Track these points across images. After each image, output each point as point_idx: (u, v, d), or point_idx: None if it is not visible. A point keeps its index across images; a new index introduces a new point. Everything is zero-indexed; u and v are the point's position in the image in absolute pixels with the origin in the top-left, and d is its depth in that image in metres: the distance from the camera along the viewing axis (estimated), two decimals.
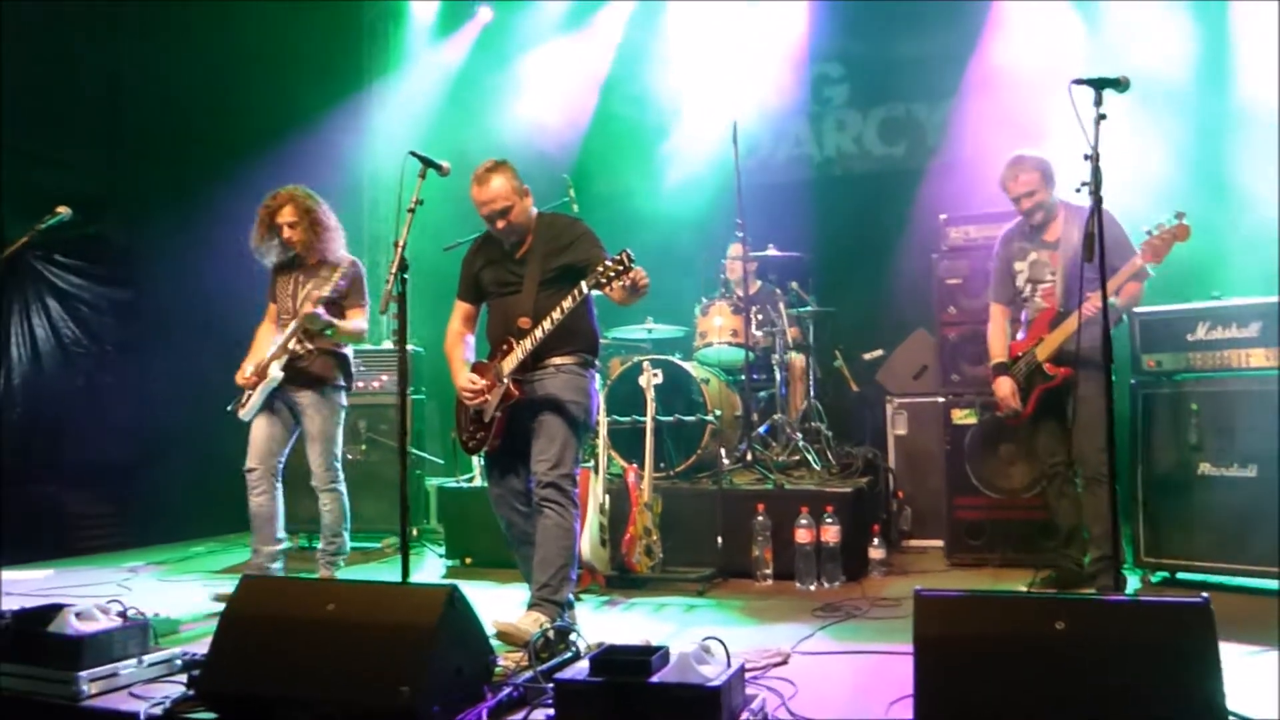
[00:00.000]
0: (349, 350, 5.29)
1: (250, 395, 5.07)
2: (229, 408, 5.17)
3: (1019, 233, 4.95)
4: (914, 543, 6.13)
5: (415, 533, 6.70)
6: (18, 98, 6.42)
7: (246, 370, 5.12)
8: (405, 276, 3.87)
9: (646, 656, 2.99)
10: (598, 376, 4.38)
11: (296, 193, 5.17)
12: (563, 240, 4.23)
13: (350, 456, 6.61)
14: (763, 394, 6.45)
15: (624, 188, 7.66)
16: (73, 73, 6.86)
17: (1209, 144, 5.86)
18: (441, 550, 6.18)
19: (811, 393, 6.48)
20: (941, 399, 5.77)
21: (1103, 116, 3.34)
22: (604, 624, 4.51)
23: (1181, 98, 6.13)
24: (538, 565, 4.09)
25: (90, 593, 5.41)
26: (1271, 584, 4.61)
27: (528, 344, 4.07)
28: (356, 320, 5.17)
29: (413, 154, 4.03)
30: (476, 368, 4.30)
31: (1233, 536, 4.65)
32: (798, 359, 6.51)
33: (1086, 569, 4.61)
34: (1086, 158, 3.35)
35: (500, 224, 4.20)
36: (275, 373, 5.01)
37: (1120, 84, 3.39)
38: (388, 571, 6.08)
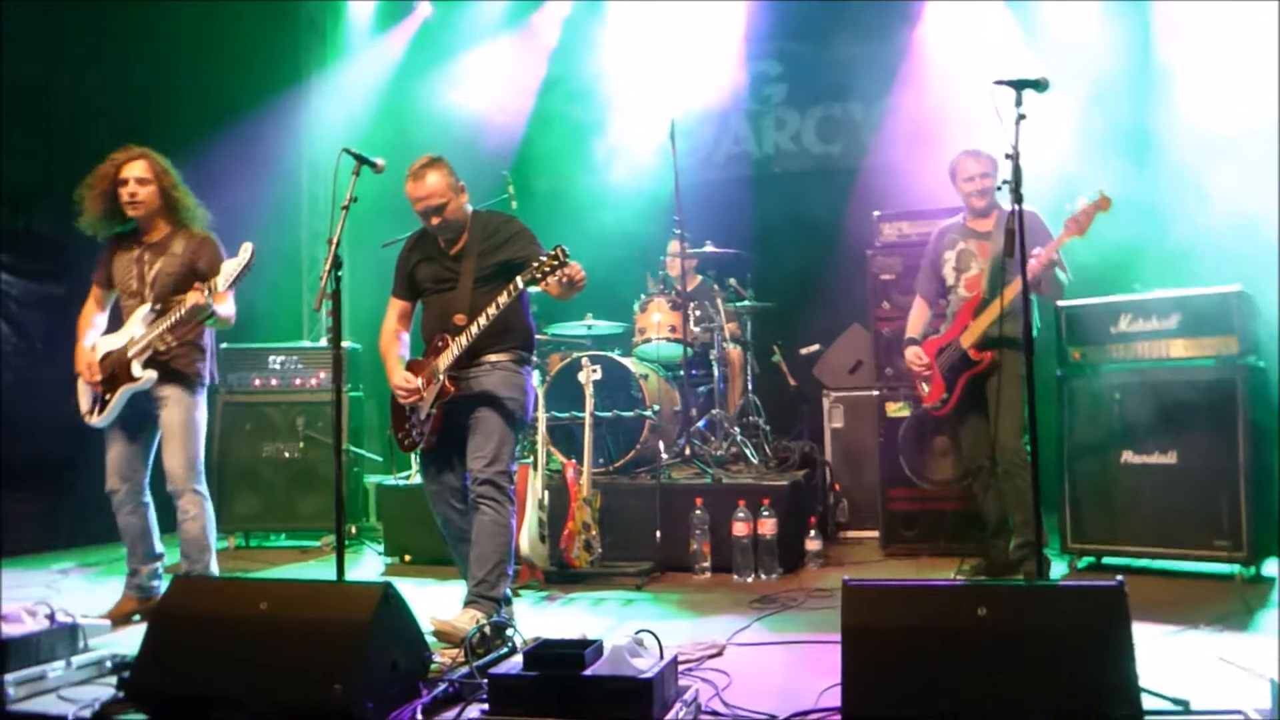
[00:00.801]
0: (209, 339, 4.73)
1: (109, 398, 4.47)
2: (79, 414, 4.58)
3: (954, 227, 5.11)
4: (851, 534, 6.24)
5: (354, 530, 6.68)
6: None
7: (93, 367, 4.49)
8: (339, 274, 3.85)
9: (580, 650, 3.02)
10: (535, 373, 4.40)
11: (151, 153, 4.61)
12: (498, 237, 4.24)
13: (287, 454, 6.59)
14: (701, 389, 6.50)
15: (564, 185, 7.67)
16: (1, 62, 6.69)
17: (1132, 141, 5.99)
18: (380, 548, 6.15)
19: (749, 388, 6.54)
20: (876, 392, 5.87)
21: (1022, 116, 3.43)
22: (542, 619, 4.53)
23: (1107, 96, 6.27)
24: (474, 562, 4.10)
25: (17, 595, 5.31)
26: (1193, 566, 4.78)
27: (463, 340, 4.08)
28: (230, 305, 4.56)
29: (347, 151, 4.01)
30: (411, 365, 4.29)
31: (1155, 521, 4.80)
32: (735, 354, 6.58)
33: (1011, 556, 4.73)
34: (1007, 157, 3.43)
35: (435, 220, 4.19)
36: (143, 373, 4.44)
37: (1040, 84, 3.48)
38: (326, 569, 6.02)
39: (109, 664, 3.71)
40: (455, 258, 4.26)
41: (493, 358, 4.20)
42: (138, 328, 4.50)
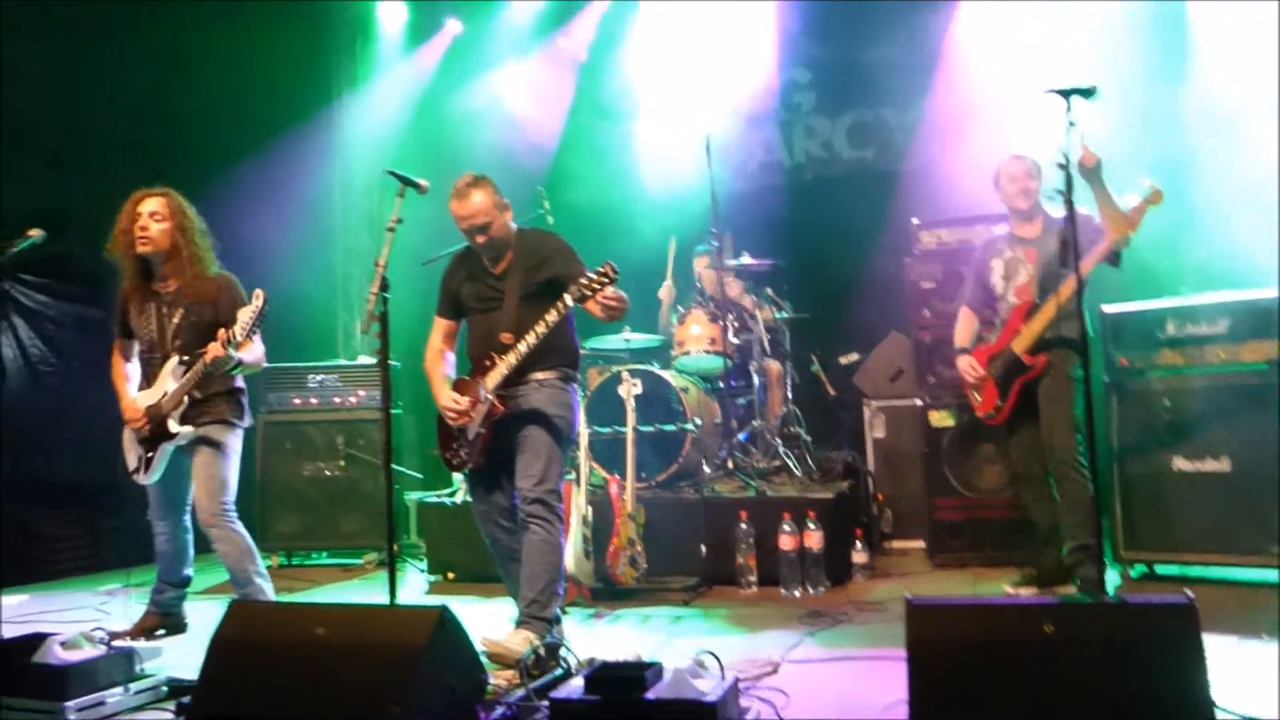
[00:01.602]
0: (242, 382, 4.74)
1: (151, 456, 4.52)
2: (122, 475, 4.64)
3: (1000, 237, 5.07)
4: (896, 544, 6.18)
5: (396, 548, 6.65)
6: None
7: (139, 418, 4.51)
8: (386, 296, 3.86)
9: (640, 672, 3.00)
10: (579, 389, 4.39)
11: (171, 191, 4.60)
12: (542, 254, 4.24)
13: (329, 472, 6.61)
14: (741, 400, 6.48)
15: (598, 198, 7.65)
16: (28, 87, 6.75)
17: (1170, 144, 5.91)
18: (423, 565, 6.15)
19: (789, 398, 6.51)
20: (919, 401, 5.81)
21: (1072, 124, 3.39)
22: (592, 637, 4.51)
23: (1142, 97, 6.20)
24: (525, 581, 4.09)
25: (69, 618, 5.38)
26: (1247, 574, 4.71)
27: (511, 359, 4.07)
28: (257, 347, 4.54)
29: (390, 173, 4.03)
30: (458, 385, 4.29)
31: (1209, 529, 4.74)
32: (774, 365, 6.54)
33: (1064, 559, 4.65)
34: (1060, 166, 3.40)
35: (480, 239, 4.20)
36: (179, 428, 4.45)
37: (1089, 91, 3.46)
38: (370, 588, 6.04)
39: (165, 689, 3.74)
40: (500, 276, 4.26)
41: (540, 375, 4.19)
42: (169, 382, 4.50)
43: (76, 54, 7.08)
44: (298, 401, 6.64)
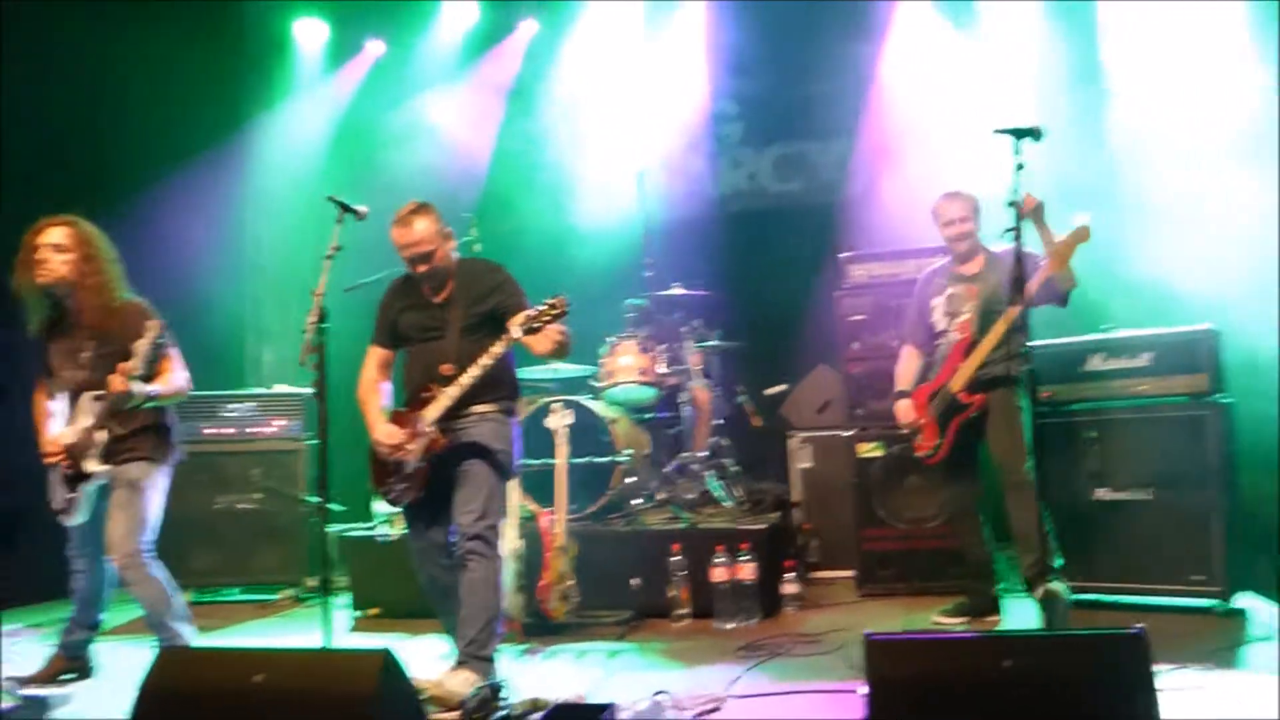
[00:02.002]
0: (172, 415, 4.52)
1: (73, 497, 4.29)
2: (53, 510, 4.36)
3: (940, 271, 5.08)
4: (823, 574, 6.18)
5: (314, 583, 6.44)
6: None
7: (51, 457, 4.28)
8: (325, 326, 3.74)
9: (596, 714, 2.93)
10: (519, 423, 4.31)
11: (76, 220, 4.32)
12: (486, 285, 4.16)
13: (243, 505, 6.37)
14: (669, 430, 6.45)
15: (526, 226, 7.58)
16: None
17: (1097, 178, 6.07)
18: (345, 600, 5.95)
19: (717, 429, 6.51)
20: (846, 433, 5.86)
21: (1021, 166, 3.46)
22: (529, 675, 4.40)
23: (1067, 128, 6.34)
24: (463, 620, 3.97)
25: None
26: (1166, 601, 4.83)
27: (454, 391, 3.97)
28: (176, 376, 4.32)
29: (330, 199, 3.94)
30: (395, 417, 4.17)
31: (1130, 557, 4.87)
32: (703, 395, 6.53)
33: (1023, 575, 4.67)
34: (1011, 204, 3.47)
35: (423, 268, 4.10)
36: (96, 468, 4.23)
37: (1036, 133, 3.53)
38: (289, 625, 5.83)
39: None
40: (441, 306, 4.17)
41: (480, 408, 4.10)
42: (87, 418, 4.25)
43: None
44: (209, 431, 6.39)
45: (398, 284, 4.33)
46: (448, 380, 3.99)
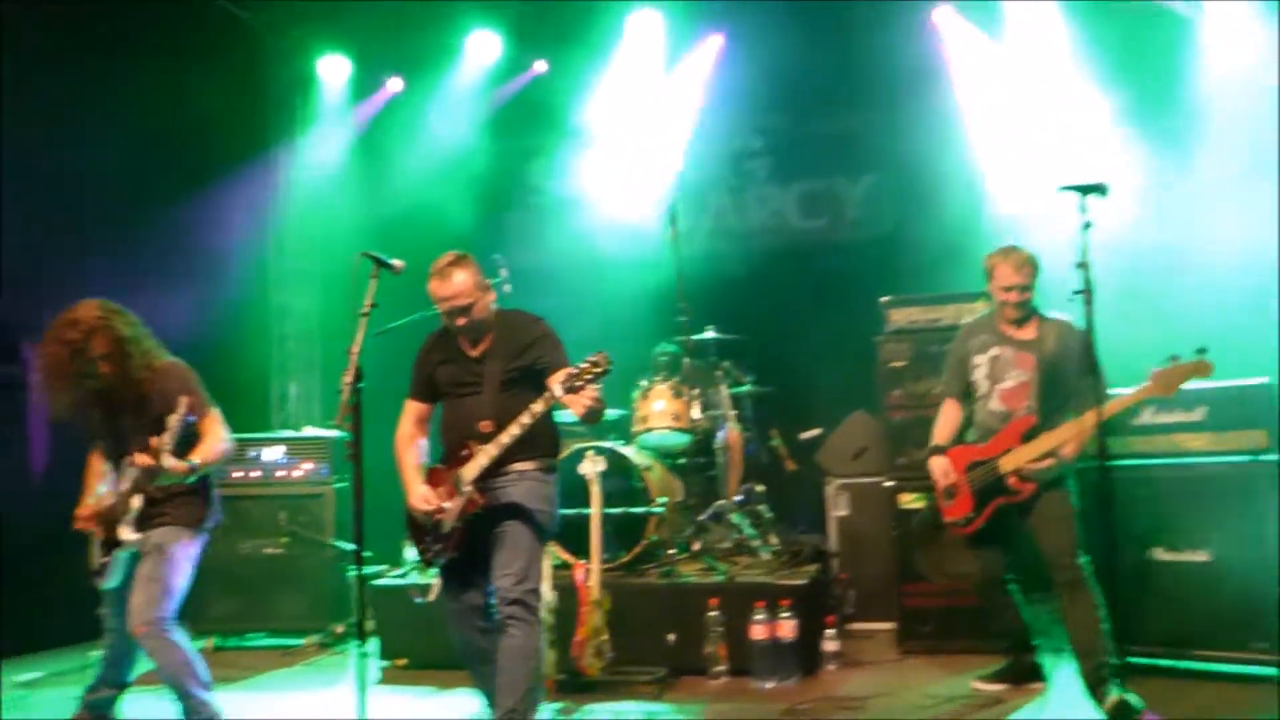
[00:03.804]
0: (211, 481, 4.40)
1: (106, 561, 4.22)
2: (88, 573, 4.30)
3: (983, 326, 4.78)
4: (859, 626, 6.03)
5: (340, 630, 6.32)
6: None
7: (82, 522, 4.24)
8: (361, 386, 3.63)
9: None
10: (558, 480, 4.18)
11: (100, 314, 4.17)
12: (524, 339, 4.04)
13: (268, 550, 6.27)
14: (702, 477, 6.31)
15: (554, 264, 7.49)
16: None
17: (1151, 230, 5.94)
18: (372, 649, 5.82)
19: (750, 474, 6.38)
20: (888, 482, 5.71)
21: (1088, 224, 3.33)
22: None
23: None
24: (502, 689, 3.84)
25: None
26: (1230, 668, 4.64)
27: (492, 450, 3.84)
28: (215, 440, 4.23)
29: (365, 255, 3.83)
30: (431, 474, 4.06)
31: (1187, 621, 4.67)
32: (735, 440, 6.40)
33: (1084, 680, 4.36)
34: (1079, 266, 3.33)
35: (461, 321, 3.99)
36: (128, 535, 4.14)
37: (1103, 189, 3.41)
38: (313, 675, 5.71)
39: None
40: (479, 360, 4.05)
41: (519, 466, 3.98)
42: (127, 483, 4.15)
43: (9, 109, 6.76)
44: (238, 475, 6.29)
45: (434, 337, 4.22)
46: (486, 438, 3.87)
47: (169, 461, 4.00)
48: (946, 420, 4.87)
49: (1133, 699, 4.02)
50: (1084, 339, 3.28)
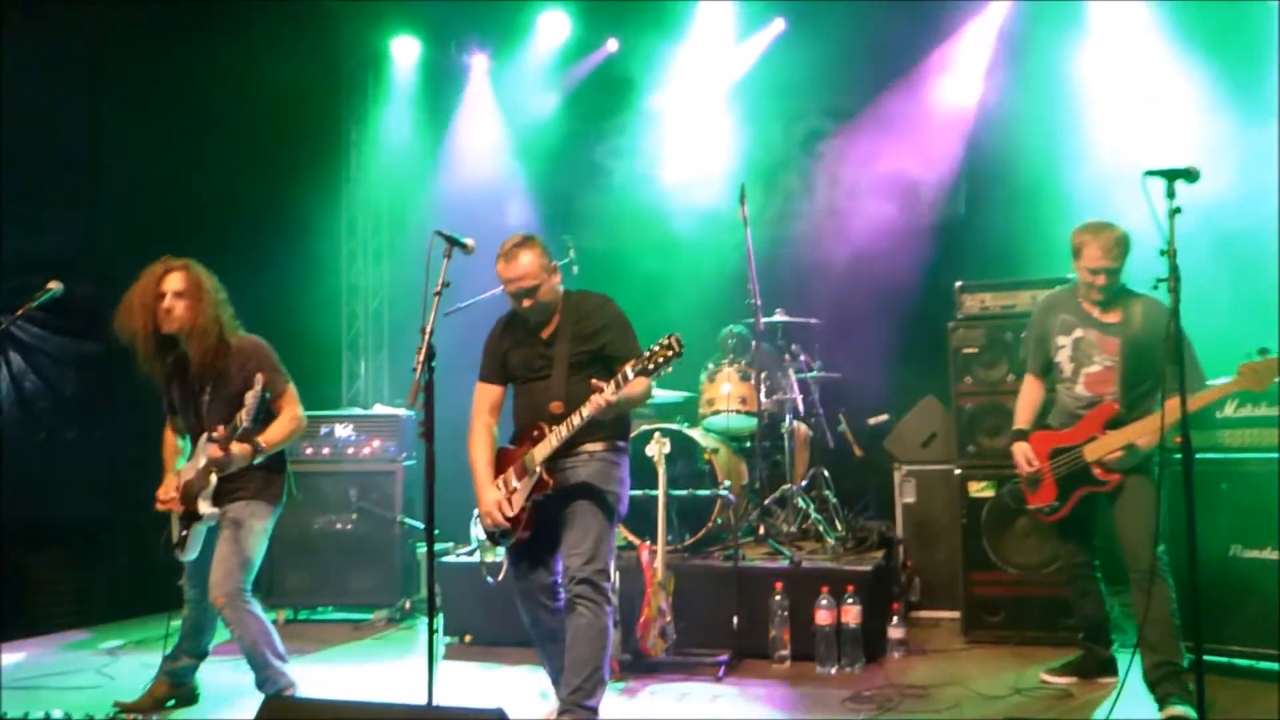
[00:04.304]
0: (284, 456, 4.53)
1: (186, 535, 4.34)
2: (164, 548, 4.45)
3: (1065, 303, 4.55)
4: (924, 614, 5.98)
5: (408, 605, 6.43)
6: None
7: (172, 501, 4.36)
8: (433, 365, 3.66)
9: None
10: (628, 460, 4.19)
11: (189, 262, 4.36)
12: (594, 323, 4.06)
13: (340, 526, 6.37)
14: (768, 461, 6.28)
15: (622, 246, 7.47)
16: (51, 131, 6.61)
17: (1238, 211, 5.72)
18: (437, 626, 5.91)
19: (817, 459, 6.34)
20: (957, 470, 5.63)
21: (1177, 210, 3.23)
22: (629, 716, 4.29)
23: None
24: (570, 667, 3.88)
25: (71, 682, 5.11)
26: None
27: (562, 431, 3.88)
28: (287, 419, 4.36)
29: (439, 233, 3.84)
30: (502, 455, 4.12)
31: (1267, 620, 4.53)
32: (801, 425, 6.36)
33: (1147, 675, 4.24)
34: (1162, 253, 3.24)
35: (527, 303, 4.02)
36: (207, 510, 4.24)
37: (1191, 174, 3.30)
38: (382, 650, 5.81)
39: None
40: (548, 342, 4.08)
41: (590, 447, 4.00)
42: (204, 458, 4.26)
43: (86, 101, 6.97)
44: (309, 451, 6.40)
45: (504, 321, 4.26)
46: (556, 419, 3.90)
47: (236, 449, 4.14)
48: (1028, 399, 4.69)
49: (1192, 715, 3.90)
50: (1172, 326, 3.16)
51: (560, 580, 4.04)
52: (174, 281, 4.31)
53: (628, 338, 3.99)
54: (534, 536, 4.02)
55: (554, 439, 3.89)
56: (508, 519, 3.96)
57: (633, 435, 5.59)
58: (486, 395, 4.22)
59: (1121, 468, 4.28)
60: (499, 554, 5.60)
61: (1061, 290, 4.67)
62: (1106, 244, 4.25)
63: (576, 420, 3.84)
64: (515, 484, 3.99)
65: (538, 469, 3.91)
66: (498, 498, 4.00)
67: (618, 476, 4.05)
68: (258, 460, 4.27)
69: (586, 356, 4.00)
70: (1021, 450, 4.59)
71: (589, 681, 3.84)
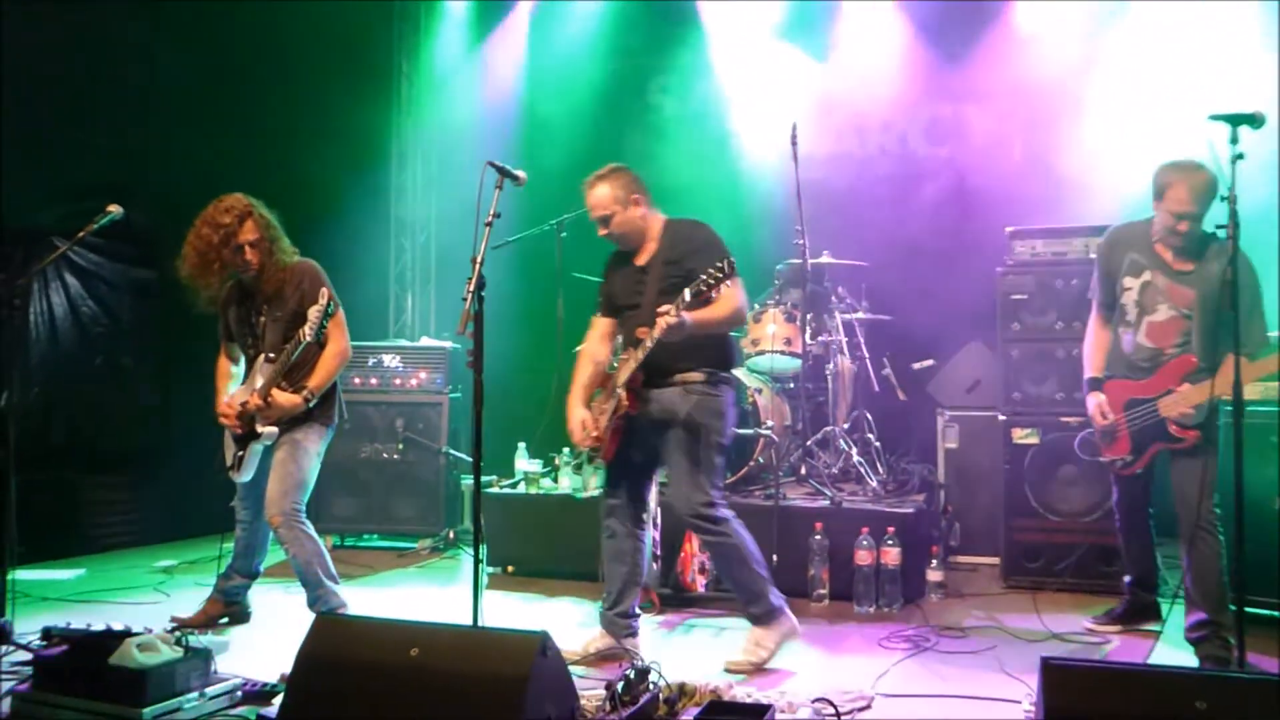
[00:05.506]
0: (338, 382, 4.65)
1: (242, 455, 4.48)
2: (218, 470, 4.61)
3: (1137, 241, 4.26)
4: (963, 559, 6.00)
5: (451, 535, 6.55)
6: (52, 85, 6.26)
7: (230, 417, 4.46)
8: (483, 295, 3.68)
9: (755, 716, 2.85)
10: (732, 390, 4.23)
11: (250, 203, 4.47)
12: (684, 248, 4.12)
13: (386, 455, 6.48)
14: (811, 402, 6.28)
15: (671, 183, 7.39)
16: (108, 59, 6.69)
17: None
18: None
19: (860, 402, 6.33)
20: (1001, 416, 5.61)
21: (1240, 156, 3.15)
22: (667, 650, 4.37)
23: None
24: (737, 591, 4.21)
25: (129, 597, 5.29)
26: None
27: (639, 354, 3.97)
28: (332, 353, 4.47)
29: (490, 164, 3.85)
30: (606, 381, 4.31)
31: None
32: (846, 367, 6.34)
33: (1187, 635, 4.19)
34: (1223, 199, 3.17)
35: (602, 231, 4.21)
36: (265, 429, 4.39)
37: (1256, 119, 3.21)
38: (426, 577, 5.93)
39: (240, 694, 3.63)
40: (642, 269, 4.19)
41: (685, 376, 4.08)
42: (260, 380, 4.40)
43: (146, 34, 7.04)
44: (358, 381, 6.50)
45: (616, 252, 4.36)
46: (640, 344, 3.98)
47: (285, 400, 4.32)
48: (1099, 344, 4.45)
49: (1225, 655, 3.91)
50: (1229, 273, 3.07)
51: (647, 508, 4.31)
52: (248, 232, 4.41)
53: (712, 259, 3.89)
54: (626, 459, 4.18)
55: (633, 362, 4.01)
56: (593, 437, 4.12)
57: None
58: (597, 326, 4.39)
59: (1196, 424, 4.13)
60: (542, 487, 5.73)
61: (1135, 224, 4.35)
62: (1196, 187, 3.93)
63: (649, 343, 3.89)
64: (605, 406, 4.17)
65: (620, 391, 4.05)
66: (583, 417, 4.17)
67: (716, 410, 4.08)
68: (311, 404, 4.42)
69: (677, 282, 3.96)
70: (1097, 401, 4.38)
71: (751, 598, 4.18)
